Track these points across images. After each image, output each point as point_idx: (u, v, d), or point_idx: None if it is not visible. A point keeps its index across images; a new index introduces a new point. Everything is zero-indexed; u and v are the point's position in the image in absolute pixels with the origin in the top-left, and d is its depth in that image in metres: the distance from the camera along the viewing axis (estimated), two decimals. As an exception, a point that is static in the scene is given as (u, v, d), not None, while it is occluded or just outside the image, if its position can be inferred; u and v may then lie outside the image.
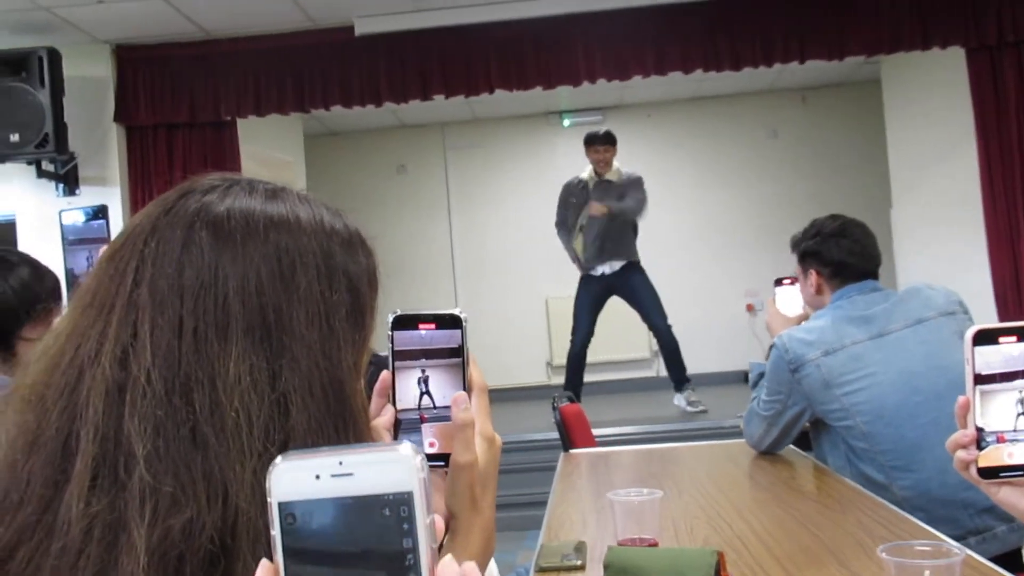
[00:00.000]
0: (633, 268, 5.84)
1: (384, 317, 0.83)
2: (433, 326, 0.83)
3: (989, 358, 1.00)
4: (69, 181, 5.38)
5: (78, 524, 0.61)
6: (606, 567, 1.42)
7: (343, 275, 0.74)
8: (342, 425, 0.69)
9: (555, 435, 3.33)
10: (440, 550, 0.49)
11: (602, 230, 5.74)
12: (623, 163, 5.94)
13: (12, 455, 0.66)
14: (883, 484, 2.11)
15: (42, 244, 5.02)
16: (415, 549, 0.47)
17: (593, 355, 5.96)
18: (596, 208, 5.68)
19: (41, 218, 5.33)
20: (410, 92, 5.52)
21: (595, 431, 3.55)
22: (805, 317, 2.48)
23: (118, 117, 5.54)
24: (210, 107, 5.55)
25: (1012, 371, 0.99)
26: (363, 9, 5.28)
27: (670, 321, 5.79)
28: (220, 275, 0.68)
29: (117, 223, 5.17)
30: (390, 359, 0.83)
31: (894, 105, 6.86)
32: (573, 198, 5.86)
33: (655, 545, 1.54)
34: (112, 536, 0.61)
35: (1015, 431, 1.00)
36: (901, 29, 5.30)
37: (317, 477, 0.48)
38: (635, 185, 5.80)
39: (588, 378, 6.00)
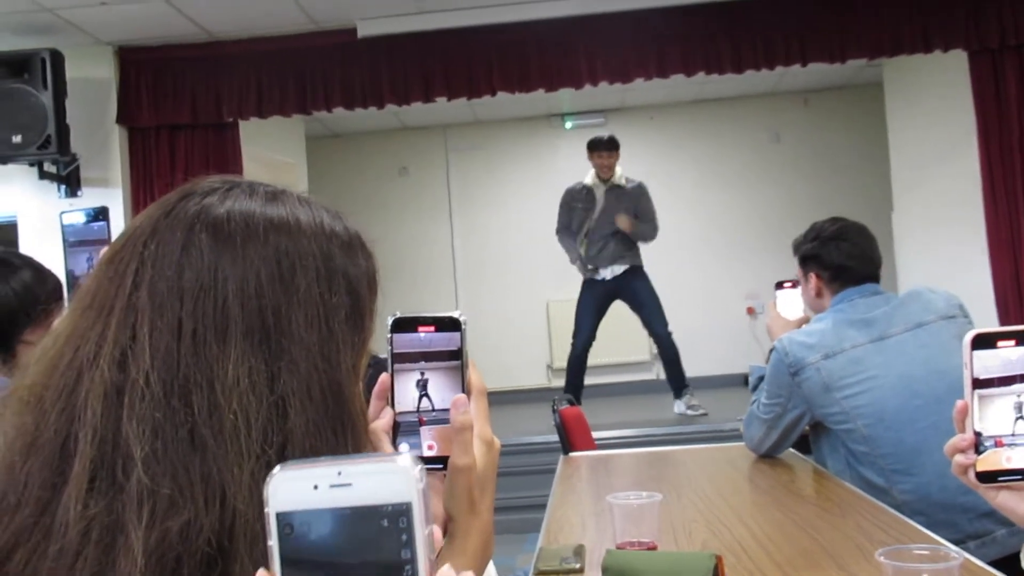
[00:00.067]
0: (636, 273, 5.85)
1: (384, 319, 0.83)
2: (432, 329, 0.83)
3: (987, 362, 1.00)
4: (71, 182, 5.39)
5: (76, 526, 0.61)
6: (604, 570, 1.42)
7: (343, 278, 0.74)
8: (340, 428, 0.70)
9: (555, 438, 3.33)
10: (437, 558, 0.49)
11: (608, 234, 5.75)
12: (625, 165, 5.94)
13: (10, 457, 0.66)
14: (883, 488, 2.11)
15: (43, 245, 5.02)
16: (413, 560, 0.47)
17: (593, 358, 5.96)
18: (624, 222, 5.71)
19: (43, 219, 5.34)
20: (412, 94, 5.53)
21: (595, 434, 3.54)
22: (806, 320, 2.48)
23: (120, 119, 5.54)
24: (212, 109, 5.55)
25: (1010, 375, 0.99)
26: (365, 11, 5.28)
27: (671, 324, 5.79)
28: (220, 277, 0.69)
29: (118, 224, 5.18)
30: (389, 361, 0.83)
31: (896, 108, 6.86)
32: (579, 203, 5.85)
33: (654, 548, 1.53)
34: (110, 538, 0.61)
35: (1013, 435, 1.00)
36: (903, 32, 5.31)
37: (315, 487, 0.48)
38: (645, 197, 5.88)
39: (588, 381, 6.00)
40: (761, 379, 2.42)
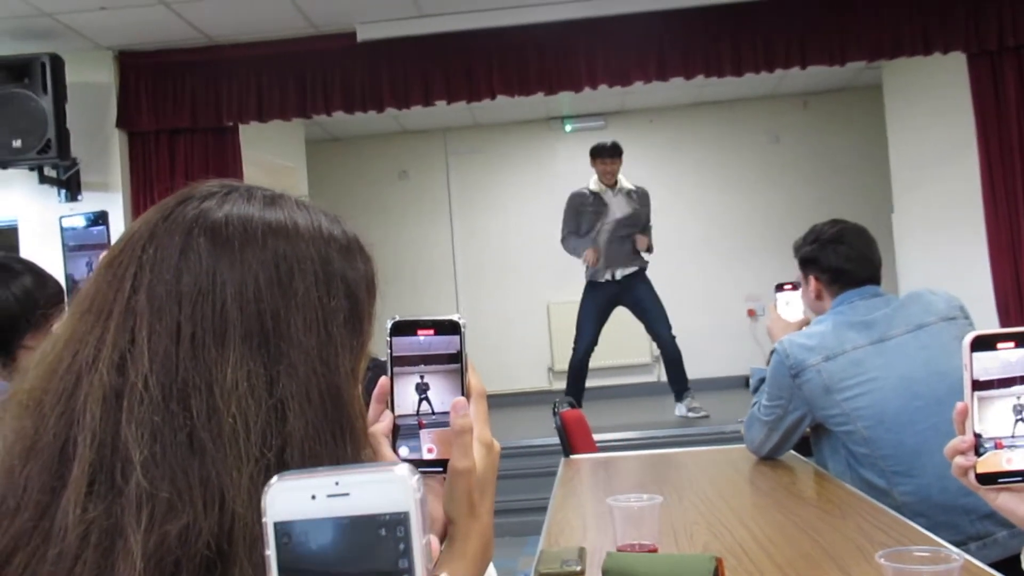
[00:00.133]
0: (641, 276, 5.86)
1: (383, 323, 0.83)
2: (432, 332, 0.84)
3: (987, 364, 1.00)
4: (71, 187, 5.39)
5: (75, 530, 0.61)
6: (605, 573, 1.42)
7: (341, 281, 0.74)
8: (339, 431, 0.70)
9: (556, 440, 3.32)
10: (437, 560, 0.49)
11: (622, 237, 5.77)
12: (625, 168, 5.95)
13: (9, 461, 0.66)
14: (884, 489, 2.10)
15: (44, 250, 5.04)
16: (411, 569, 0.47)
17: (594, 360, 5.96)
18: (642, 243, 5.80)
19: (43, 224, 5.34)
20: (412, 98, 5.53)
21: (596, 436, 3.54)
22: (806, 322, 2.47)
23: (120, 123, 5.55)
24: (212, 113, 5.56)
25: (1010, 377, 0.99)
26: (365, 15, 5.29)
27: (672, 326, 5.80)
28: (218, 281, 0.69)
29: (118, 229, 5.18)
30: (389, 365, 0.83)
31: (895, 110, 6.87)
32: (589, 207, 5.86)
33: (654, 551, 1.53)
34: (108, 542, 0.61)
35: (1013, 437, 1.00)
36: (902, 34, 5.31)
37: (313, 497, 0.48)
38: (649, 204, 5.97)
39: (589, 383, 6.00)
40: (762, 381, 2.42)
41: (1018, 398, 0.99)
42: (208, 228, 0.71)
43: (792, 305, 2.52)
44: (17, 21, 4.90)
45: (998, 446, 1.00)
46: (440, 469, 0.81)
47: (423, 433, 0.83)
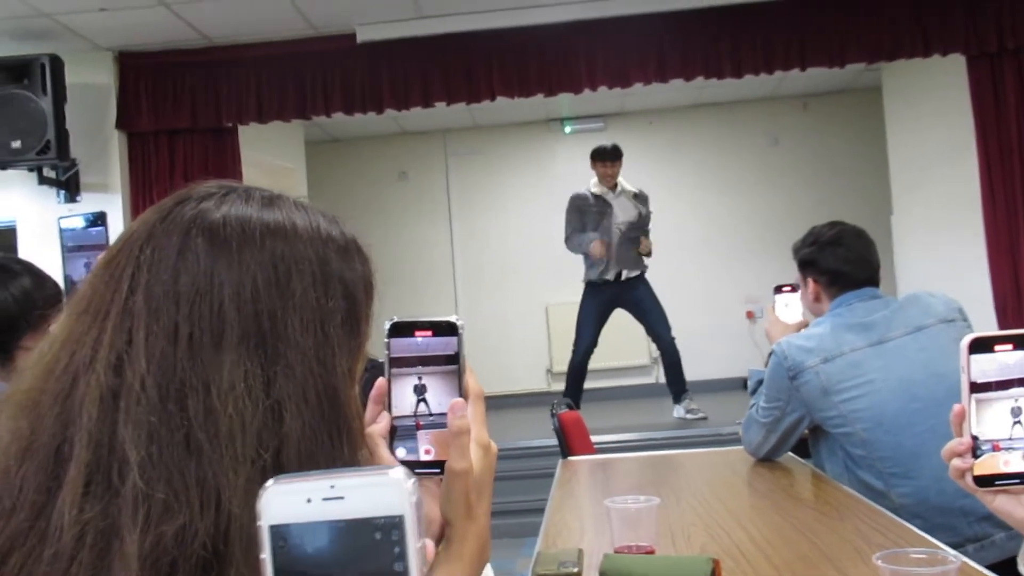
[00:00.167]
0: (641, 278, 5.86)
1: (382, 324, 0.83)
2: (429, 333, 0.84)
3: (985, 366, 1.00)
4: (70, 188, 5.39)
5: (71, 530, 0.61)
6: (602, 574, 1.42)
7: (339, 282, 0.75)
8: (336, 432, 0.70)
9: (554, 442, 3.32)
10: (433, 561, 0.49)
11: (628, 239, 5.78)
12: (625, 170, 5.96)
13: (5, 461, 0.66)
14: (881, 491, 2.10)
15: (42, 251, 5.04)
16: (406, 572, 0.47)
17: (592, 362, 5.95)
18: (645, 247, 5.84)
19: (42, 225, 5.35)
20: (411, 99, 5.53)
21: (594, 438, 3.54)
22: (804, 324, 2.48)
23: (120, 124, 5.55)
24: (212, 114, 5.56)
25: (1007, 379, 0.99)
26: (365, 16, 5.29)
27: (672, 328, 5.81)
28: (216, 282, 0.69)
29: (117, 229, 5.19)
30: (386, 366, 0.84)
31: (895, 112, 6.87)
32: (592, 208, 5.86)
33: (652, 553, 1.53)
34: (105, 542, 0.61)
35: (1010, 439, 1.00)
36: (902, 36, 5.31)
37: (308, 501, 0.48)
38: (648, 204, 5.99)
39: (587, 385, 6.00)
40: (760, 383, 2.42)
41: (1015, 400, 0.99)
42: (206, 229, 0.71)
43: (791, 307, 2.52)
44: (17, 22, 4.90)
45: (995, 448, 1.00)
46: (437, 470, 0.81)
47: (420, 434, 0.83)
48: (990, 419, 1.00)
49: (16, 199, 5.50)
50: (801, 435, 2.36)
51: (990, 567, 1.50)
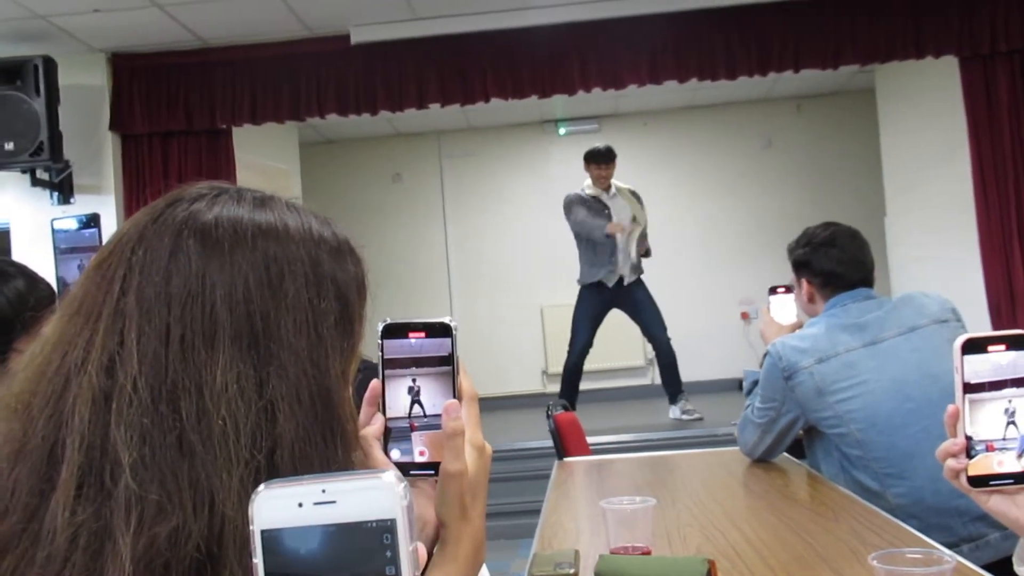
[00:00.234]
0: (639, 281, 5.87)
1: (375, 325, 0.83)
2: (423, 334, 0.83)
3: (978, 367, 1.00)
4: (64, 189, 5.37)
5: (63, 533, 0.61)
6: (597, 575, 1.42)
7: (331, 283, 0.74)
8: (330, 433, 0.69)
9: (549, 443, 3.32)
10: (428, 563, 0.49)
11: (624, 245, 5.78)
12: (619, 171, 5.97)
13: (-2, 464, 0.66)
14: (877, 492, 2.11)
15: (36, 252, 5.02)
16: None
17: (588, 363, 5.96)
18: (643, 248, 5.85)
19: (35, 226, 5.33)
20: (406, 100, 5.52)
21: (589, 439, 3.54)
22: (799, 325, 2.48)
23: (113, 125, 5.54)
24: (206, 115, 5.55)
25: (1000, 380, 0.99)
26: (359, 18, 5.29)
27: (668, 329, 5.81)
28: (208, 283, 0.68)
29: (110, 231, 5.15)
30: (380, 367, 0.83)
31: (888, 114, 6.89)
32: (592, 208, 5.85)
33: (648, 553, 1.53)
34: (97, 544, 0.61)
35: (1004, 440, 1.00)
36: (895, 38, 5.32)
37: (300, 505, 0.48)
38: (640, 200, 6.00)
39: (583, 386, 6.00)
40: (755, 384, 2.42)
41: (1009, 401, 1.00)
42: (198, 230, 0.71)
43: (785, 308, 2.53)
44: (10, 23, 4.89)
45: (989, 448, 1.00)
46: (432, 472, 0.81)
47: (415, 436, 0.83)
48: (984, 420, 1.00)
49: (9, 201, 5.48)
50: (796, 436, 2.36)
51: (985, 567, 1.50)
